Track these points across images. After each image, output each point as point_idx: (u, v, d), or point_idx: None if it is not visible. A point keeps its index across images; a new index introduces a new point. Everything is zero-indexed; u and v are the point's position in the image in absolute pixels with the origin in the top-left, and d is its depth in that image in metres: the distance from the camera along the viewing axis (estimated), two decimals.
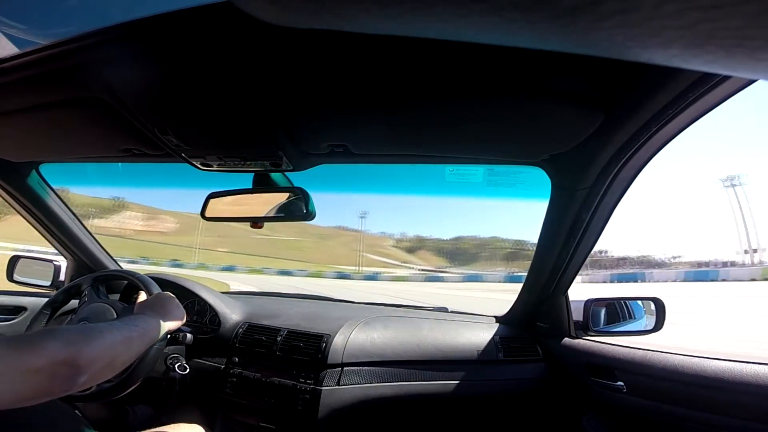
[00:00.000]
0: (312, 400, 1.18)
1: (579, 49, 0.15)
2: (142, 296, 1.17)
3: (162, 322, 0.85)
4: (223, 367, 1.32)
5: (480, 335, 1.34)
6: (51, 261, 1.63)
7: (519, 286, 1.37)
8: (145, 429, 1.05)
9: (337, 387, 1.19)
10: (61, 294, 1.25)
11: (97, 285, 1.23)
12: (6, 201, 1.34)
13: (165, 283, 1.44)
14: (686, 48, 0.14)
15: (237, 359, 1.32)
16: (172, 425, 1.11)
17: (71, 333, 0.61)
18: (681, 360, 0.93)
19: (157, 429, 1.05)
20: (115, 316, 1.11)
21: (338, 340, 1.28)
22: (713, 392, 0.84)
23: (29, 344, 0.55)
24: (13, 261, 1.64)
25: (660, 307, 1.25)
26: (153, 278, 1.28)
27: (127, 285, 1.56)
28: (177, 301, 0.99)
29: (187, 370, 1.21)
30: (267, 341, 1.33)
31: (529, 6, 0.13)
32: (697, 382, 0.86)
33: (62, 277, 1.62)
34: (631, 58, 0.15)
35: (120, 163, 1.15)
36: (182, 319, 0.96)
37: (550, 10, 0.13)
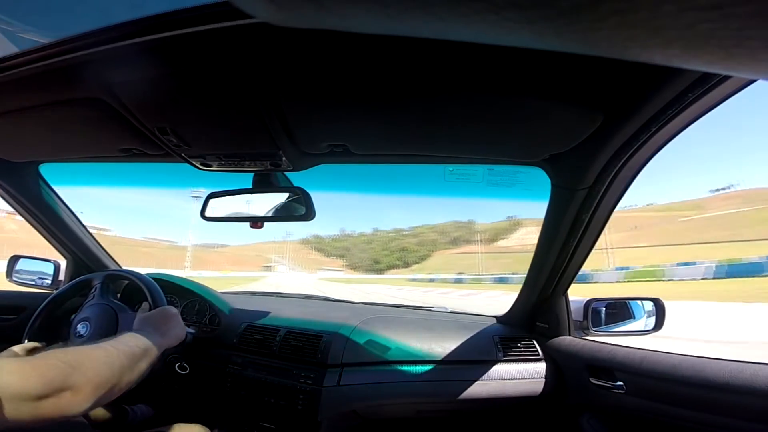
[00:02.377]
0: (312, 400, 1.18)
1: (578, 49, 0.15)
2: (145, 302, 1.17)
3: (162, 340, 0.85)
4: (222, 366, 1.32)
5: (480, 335, 1.34)
6: (50, 261, 1.63)
7: None
8: (145, 429, 1.05)
9: (336, 387, 1.19)
10: (69, 288, 1.25)
11: (107, 283, 1.23)
12: (6, 201, 1.34)
13: (165, 283, 1.44)
14: (686, 48, 0.14)
15: (237, 359, 1.32)
16: (172, 425, 1.11)
17: (74, 359, 0.59)
18: (681, 360, 0.93)
19: (157, 429, 1.05)
20: (117, 320, 1.12)
21: (338, 340, 1.28)
22: (713, 392, 0.84)
23: (30, 370, 0.53)
24: (13, 261, 1.64)
25: (660, 307, 1.25)
26: (154, 278, 1.28)
27: (128, 285, 1.56)
28: (179, 318, 0.99)
29: (187, 370, 1.21)
30: (266, 341, 1.33)
31: (528, 5, 0.13)
32: (696, 383, 0.86)
33: (62, 276, 1.62)
34: (631, 58, 0.15)
35: (120, 163, 1.14)
36: (182, 338, 0.96)
37: (550, 10, 0.13)
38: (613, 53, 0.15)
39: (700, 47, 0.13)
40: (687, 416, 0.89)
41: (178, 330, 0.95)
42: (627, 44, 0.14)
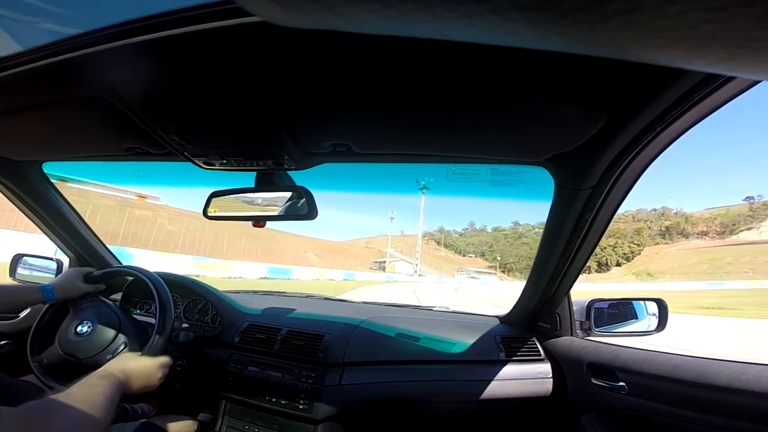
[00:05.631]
0: (312, 399, 1.18)
1: (581, 50, 0.15)
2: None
3: (129, 389, 0.87)
4: (224, 365, 1.32)
5: (481, 335, 1.34)
6: (53, 259, 1.64)
7: None
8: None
9: (337, 386, 1.20)
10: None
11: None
12: (9, 199, 1.35)
13: (168, 281, 1.45)
14: (689, 49, 0.13)
15: (238, 358, 1.32)
16: (161, 416, 1.12)
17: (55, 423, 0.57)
18: (683, 361, 0.93)
19: (148, 420, 1.07)
20: (119, 322, 1.13)
21: (339, 340, 1.28)
22: (715, 393, 0.83)
23: None
24: (16, 259, 1.64)
25: (662, 307, 1.25)
26: (159, 275, 1.29)
27: (131, 282, 1.57)
28: (159, 372, 1.00)
29: (185, 366, 1.22)
30: (268, 340, 1.33)
31: (531, 6, 0.13)
32: (699, 384, 0.86)
33: None
34: (634, 59, 0.15)
35: (122, 162, 1.15)
36: (150, 390, 0.97)
37: (552, 11, 0.13)
38: (615, 54, 0.15)
39: (703, 48, 0.13)
40: (689, 417, 0.88)
41: (149, 385, 0.95)
42: (629, 45, 0.14)
